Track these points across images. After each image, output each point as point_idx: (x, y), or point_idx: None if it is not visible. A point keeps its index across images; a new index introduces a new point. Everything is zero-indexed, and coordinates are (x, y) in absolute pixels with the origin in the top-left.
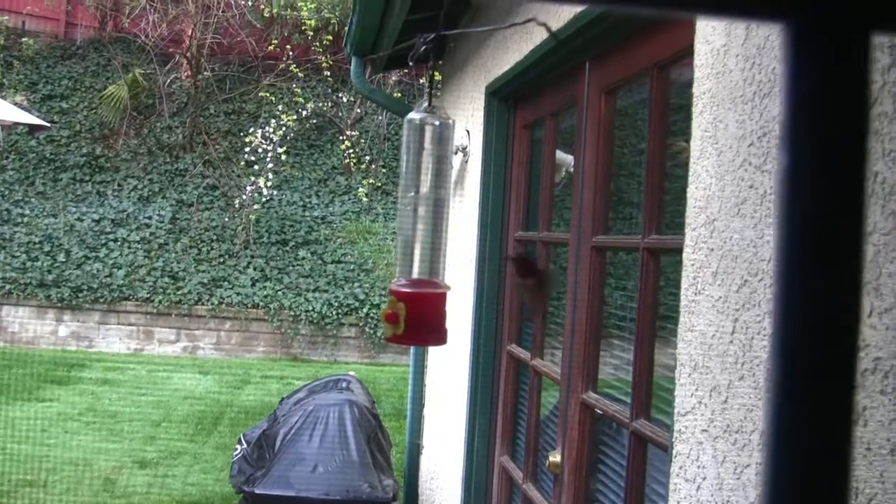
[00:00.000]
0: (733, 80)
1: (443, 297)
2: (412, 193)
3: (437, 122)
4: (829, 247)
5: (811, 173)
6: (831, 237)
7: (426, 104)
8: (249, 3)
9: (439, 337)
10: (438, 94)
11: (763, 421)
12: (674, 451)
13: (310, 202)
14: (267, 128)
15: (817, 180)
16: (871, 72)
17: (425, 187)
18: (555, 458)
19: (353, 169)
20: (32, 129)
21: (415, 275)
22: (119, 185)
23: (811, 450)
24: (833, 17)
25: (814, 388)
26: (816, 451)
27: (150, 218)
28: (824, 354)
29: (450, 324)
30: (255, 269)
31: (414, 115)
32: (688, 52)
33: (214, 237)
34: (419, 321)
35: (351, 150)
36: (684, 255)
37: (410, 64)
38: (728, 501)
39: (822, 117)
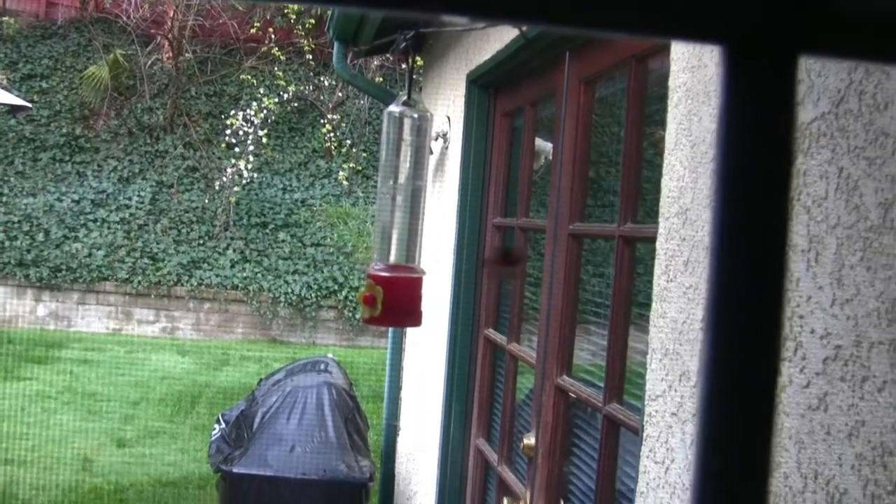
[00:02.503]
0: (708, 74)
1: (418, 281)
2: (391, 182)
3: (415, 115)
4: (755, 255)
5: (740, 184)
6: (758, 245)
7: (405, 97)
8: None
9: (414, 319)
10: (420, 79)
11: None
12: (644, 434)
13: (290, 185)
14: (248, 110)
15: (745, 189)
16: (797, 92)
17: (403, 177)
18: (529, 440)
19: (333, 152)
20: (13, 109)
21: (392, 260)
22: (99, 165)
23: (737, 430)
24: (762, 42)
25: (739, 367)
26: (741, 430)
27: (129, 199)
28: (750, 340)
29: (428, 308)
30: (234, 251)
31: (393, 108)
32: (665, 46)
33: (194, 219)
34: (395, 304)
35: (332, 134)
36: (657, 243)
37: (391, 58)
38: None
39: (751, 134)
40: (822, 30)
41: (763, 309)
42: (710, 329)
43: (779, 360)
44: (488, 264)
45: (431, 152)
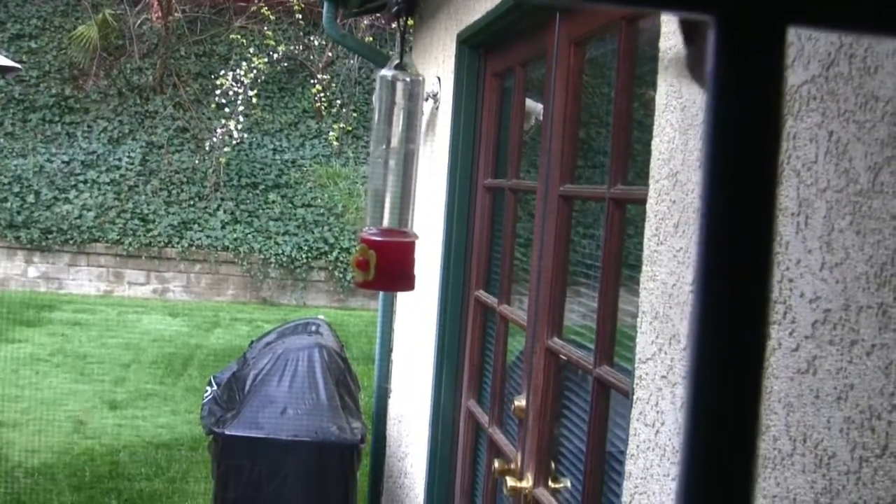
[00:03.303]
0: None
1: (411, 245)
2: (383, 146)
3: (407, 79)
4: (744, 220)
5: (731, 156)
6: (746, 212)
7: (397, 61)
8: None
9: (407, 284)
10: (410, 39)
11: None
12: (634, 397)
13: (280, 145)
14: (238, 70)
15: (735, 160)
16: (785, 62)
17: (396, 141)
18: (520, 402)
19: (323, 113)
20: (2, 70)
21: (385, 224)
22: (89, 126)
23: (724, 398)
24: (751, 14)
25: (727, 335)
26: (729, 398)
27: (119, 160)
28: (740, 303)
29: (418, 269)
30: (225, 211)
31: (386, 72)
32: None
33: (185, 179)
34: (388, 268)
35: (322, 94)
36: (648, 206)
37: (383, 21)
38: None
39: (741, 106)
40: (810, 1)
41: (752, 272)
42: (700, 292)
43: (768, 324)
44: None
45: (422, 113)
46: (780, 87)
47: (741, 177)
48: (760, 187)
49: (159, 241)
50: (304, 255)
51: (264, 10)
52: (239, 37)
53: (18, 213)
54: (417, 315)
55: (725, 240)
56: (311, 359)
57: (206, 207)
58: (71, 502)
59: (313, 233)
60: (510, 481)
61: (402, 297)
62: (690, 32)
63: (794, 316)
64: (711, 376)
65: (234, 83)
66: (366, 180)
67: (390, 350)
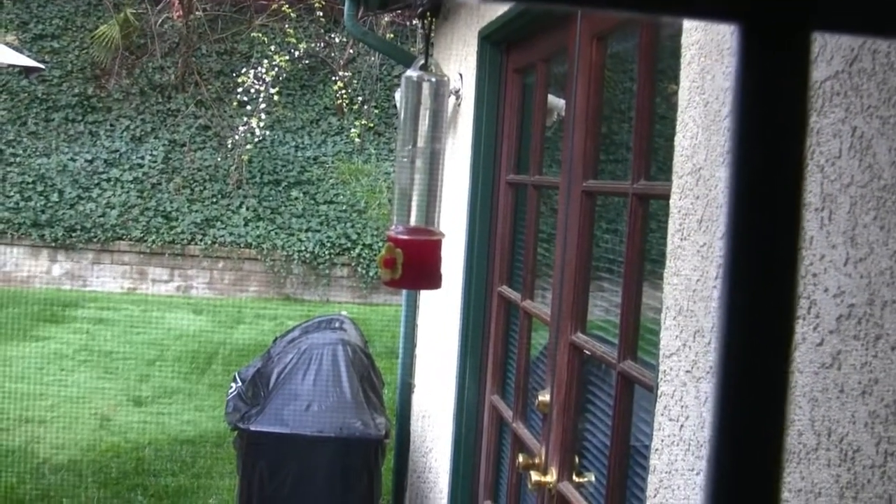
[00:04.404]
0: (721, 31)
1: (438, 243)
2: (409, 146)
3: (433, 80)
4: (769, 216)
5: (757, 158)
6: (772, 208)
7: (423, 61)
8: None
9: (434, 282)
10: (432, 36)
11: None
12: (659, 392)
13: (302, 143)
14: (259, 68)
15: (761, 162)
16: (810, 67)
17: (422, 141)
18: (544, 397)
19: (345, 110)
20: (26, 70)
21: (412, 223)
22: (111, 125)
23: (752, 393)
24: (777, 20)
25: (755, 331)
26: (756, 393)
27: (142, 158)
28: (763, 304)
29: (442, 266)
30: (247, 209)
31: (411, 73)
32: None
33: (207, 177)
34: (415, 267)
35: (343, 91)
36: (671, 201)
37: (402, 14)
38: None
39: (766, 110)
40: (835, 6)
41: (778, 267)
42: (726, 287)
43: (794, 319)
44: None
45: (447, 120)
46: (804, 89)
47: (767, 175)
48: (786, 185)
49: (182, 239)
50: (326, 252)
51: (285, 7)
52: (260, 34)
53: (42, 211)
54: (441, 311)
55: (751, 235)
56: (336, 355)
57: (228, 205)
58: (97, 498)
59: (336, 229)
60: (534, 476)
61: (425, 293)
62: None
63: (819, 311)
64: (738, 371)
65: (255, 81)
66: (388, 176)
67: (414, 345)
